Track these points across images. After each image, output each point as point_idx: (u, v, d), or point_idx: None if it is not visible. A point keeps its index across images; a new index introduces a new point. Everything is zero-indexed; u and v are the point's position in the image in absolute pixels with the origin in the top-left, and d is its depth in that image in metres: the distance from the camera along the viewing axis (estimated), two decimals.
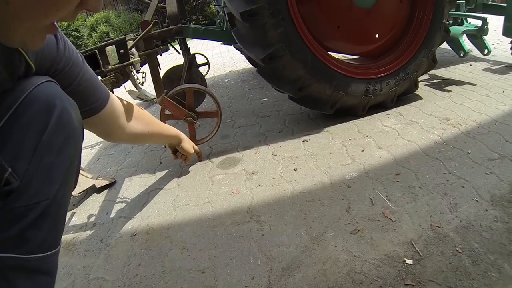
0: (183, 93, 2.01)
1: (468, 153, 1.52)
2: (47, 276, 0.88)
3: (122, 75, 2.01)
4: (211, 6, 16.28)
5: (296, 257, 1.14)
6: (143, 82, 2.07)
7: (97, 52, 1.59)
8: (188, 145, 1.78)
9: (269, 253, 1.19)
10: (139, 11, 16.31)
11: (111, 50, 1.64)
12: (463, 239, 1.06)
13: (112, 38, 1.76)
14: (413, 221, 1.16)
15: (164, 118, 2.03)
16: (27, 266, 0.81)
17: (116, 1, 17.50)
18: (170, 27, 2.29)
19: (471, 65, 2.87)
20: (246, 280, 1.10)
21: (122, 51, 1.66)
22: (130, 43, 1.77)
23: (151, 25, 1.88)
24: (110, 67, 1.64)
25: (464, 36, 2.64)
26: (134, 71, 2.00)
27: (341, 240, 1.15)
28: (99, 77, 1.79)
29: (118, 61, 1.68)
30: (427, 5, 2.08)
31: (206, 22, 15.93)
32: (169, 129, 1.67)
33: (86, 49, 1.62)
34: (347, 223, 1.23)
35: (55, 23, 0.66)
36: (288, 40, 1.82)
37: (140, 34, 1.95)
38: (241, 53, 4.58)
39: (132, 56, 1.74)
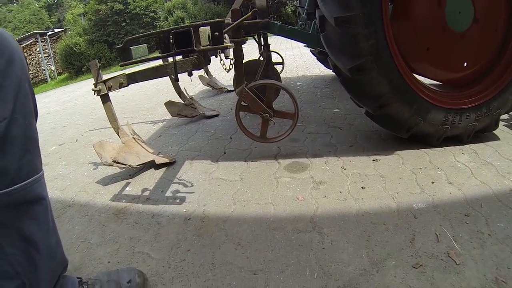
0: (263, 88, 2.03)
1: None
2: (38, 204, 0.90)
3: (204, 58, 2.06)
4: (286, 7, 16.37)
5: (353, 278, 1.14)
6: (230, 69, 2.10)
7: (191, 30, 1.58)
8: None
9: (327, 268, 1.20)
10: (215, 2, 16.79)
11: (204, 31, 1.63)
12: None
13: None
14: (478, 269, 1.13)
15: (239, 109, 2.06)
16: (13, 200, 0.83)
17: None
18: (258, 19, 2.30)
19: None
20: None
21: (217, 33, 1.63)
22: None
23: (251, 13, 1.88)
24: (201, 47, 1.62)
25: None
26: (223, 56, 2.02)
27: (401, 271, 1.15)
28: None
29: (208, 43, 1.68)
30: None
31: (280, 22, 16.25)
32: None
33: (181, 25, 1.64)
34: (410, 255, 1.22)
35: None
36: (378, 54, 1.79)
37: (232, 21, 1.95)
38: (317, 59, 4.63)
39: (226, 41, 1.76)
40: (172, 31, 1.60)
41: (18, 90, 0.83)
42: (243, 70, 2.05)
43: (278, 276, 1.19)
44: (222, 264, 1.29)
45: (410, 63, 2.03)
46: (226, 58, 1.95)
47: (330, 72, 4.60)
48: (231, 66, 2.03)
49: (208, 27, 1.64)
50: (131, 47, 1.83)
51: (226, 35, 1.74)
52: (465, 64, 2.09)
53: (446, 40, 2.00)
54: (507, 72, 2.00)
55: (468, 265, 1.15)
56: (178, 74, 2.01)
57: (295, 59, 6.58)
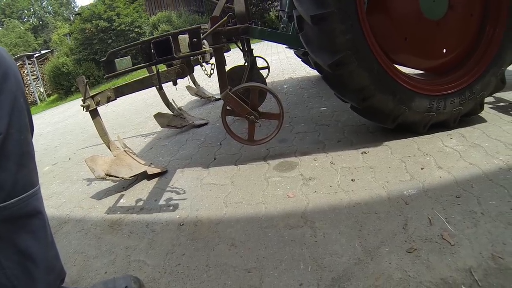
0: (247, 92, 2.03)
1: None
2: (35, 218, 0.91)
3: (187, 67, 2.06)
4: (270, 13, 16.50)
5: (348, 268, 1.14)
6: (211, 74, 2.11)
7: (171, 39, 1.60)
8: None
9: (320, 261, 1.20)
10: (199, 13, 16.92)
11: (183, 39, 1.65)
12: None
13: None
14: (473, 248, 1.13)
15: (225, 113, 2.07)
16: (9, 214, 0.83)
17: (178, 2, 18.38)
18: (238, 25, 2.32)
19: None
20: (293, 286, 1.12)
21: (195, 40, 1.65)
22: None
23: (226, 17, 1.88)
24: (181, 54, 1.65)
25: None
26: (204, 62, 2.03)
27: (396, 257, 1.15)
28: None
29: (188, 50, 1.67)
30: (499, 20, 1.98)
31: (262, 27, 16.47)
32: None
33: (160, 34, 1.65)
34: (403, 240, 1.22)
35: None
36: (356, 47, 1.81)
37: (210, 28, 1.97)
38: (302, 60, 4.66)
39: (205, 47, 1.77)
40: (152, 41, 1.62)
41: (13, 105, 0.84)
42: (225, 75, 2.05)
43: (273, 272, 1.19)
44: (216, 265, 1.29)
45: (390, 54, 2.05)
46: (206, 63, 1.96)
47: (316, 73, 4.62)
48: (212, 71, 2.05)
49: (187, 35, 1.65)
50: (115, 60, 1.84)
51: (205, 41, 1.76)
52: (444, 51, 2.11)
53: (423, 29, 2.02)
54: (486, 55, 2.02)
55: (463, 244, 1.15)
56: (164, 84, 2.02)
57: (281, 63, 6.61)
